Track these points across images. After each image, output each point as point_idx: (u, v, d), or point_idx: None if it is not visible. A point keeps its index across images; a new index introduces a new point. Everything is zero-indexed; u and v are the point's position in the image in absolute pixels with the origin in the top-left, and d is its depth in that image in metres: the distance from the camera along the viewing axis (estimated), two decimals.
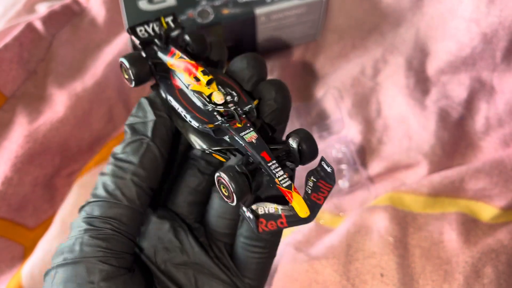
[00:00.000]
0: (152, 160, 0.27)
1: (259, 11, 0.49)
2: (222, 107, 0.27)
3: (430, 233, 0.41)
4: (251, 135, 0.26)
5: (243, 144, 0.26)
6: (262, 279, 0.32)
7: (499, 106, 0.49)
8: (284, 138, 0.28)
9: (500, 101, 0.49)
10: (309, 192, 0.26)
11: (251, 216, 0.26)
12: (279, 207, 0.26)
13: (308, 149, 0.27)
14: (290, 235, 0.44)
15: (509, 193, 0.42)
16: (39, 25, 0.50)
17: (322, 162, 0.27)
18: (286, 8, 0.49)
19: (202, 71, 0.28)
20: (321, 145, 0.50)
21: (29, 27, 0.50)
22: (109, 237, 0.26)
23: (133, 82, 0.29)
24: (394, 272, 0.39)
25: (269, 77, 0.31)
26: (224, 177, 0.25)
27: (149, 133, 0.27)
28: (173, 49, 0.30)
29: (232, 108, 0.27)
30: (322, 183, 0.27)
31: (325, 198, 0.26)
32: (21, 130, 0.45)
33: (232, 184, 0.25)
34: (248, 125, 0.27)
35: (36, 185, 0.46)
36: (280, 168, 0.25)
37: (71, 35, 0.52)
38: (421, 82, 0.51)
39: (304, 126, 0.51)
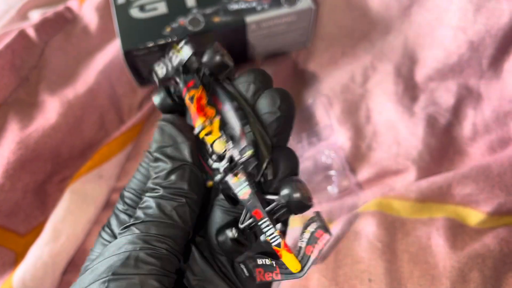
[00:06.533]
0: (199, 185, 0.28)
1: (249, 19, 0.49)
2: (218, 164, 0.26)
3: (418, 238, 0.41)
4: (244, 192, 0.26)
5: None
6: None
7: (486, 112, 0.49)
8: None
9: (487, 108, 0.50)
10: (303, 246, 0.26)
11: (245, 271, 0.27)
12: (273, 261, 0.26)
13: (297, 206, 0.26)
14: None
15: (495, 199, 0.43)
16: (31, 32, 0.51)
17: (319, 214, 0.27)
18: (276, 16, 0.50)
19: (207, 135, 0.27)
20: (310, 151, 0.51)
21: (22, 34, 0.50)
22: (164, 256, 0.26)
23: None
24: (382, 277, 0.39)
25: None
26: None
27: (188, 158, 0.27)
28: (184, 88, 0.27)
29: (225, 168, 0.26)
30: (320, 233, 0.26)
31: (320, 251, 0.26)
32: (13, 137, 0.46)
33: (222, 249, 0.27)
34: (243, 179, 0.26)
35: (28, 191, 0.46)
36: (271, 226, 0.25)
37: (63, 42, 0.53)
38: (409, 89, 0.52)
39: (294, 132, 0.51)
